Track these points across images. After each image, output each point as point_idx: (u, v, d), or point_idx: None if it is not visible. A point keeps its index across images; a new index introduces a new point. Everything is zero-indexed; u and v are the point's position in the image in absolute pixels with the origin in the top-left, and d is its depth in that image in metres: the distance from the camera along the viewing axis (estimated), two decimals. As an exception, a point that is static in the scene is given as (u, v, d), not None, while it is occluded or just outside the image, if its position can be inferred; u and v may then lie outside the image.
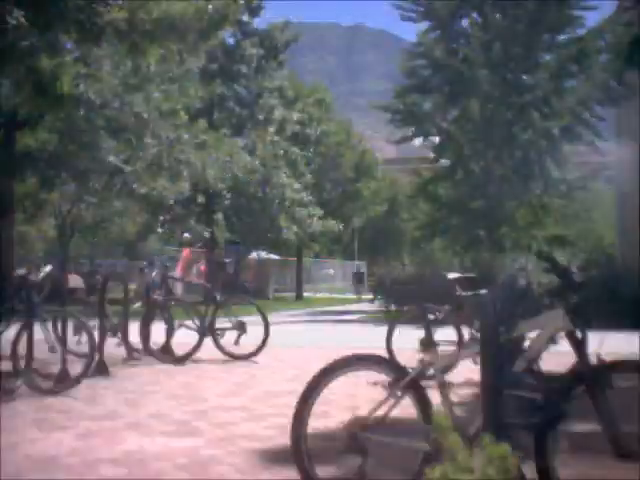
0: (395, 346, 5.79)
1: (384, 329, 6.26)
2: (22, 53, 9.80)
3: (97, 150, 15.82)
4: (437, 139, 18.04)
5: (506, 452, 2.52)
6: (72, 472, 3.13)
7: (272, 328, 7.47)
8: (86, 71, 13.22)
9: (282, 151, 24.68)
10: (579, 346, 2.70)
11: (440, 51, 16.02)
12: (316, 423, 3.04)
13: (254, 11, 23.64)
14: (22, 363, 5.14)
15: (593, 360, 2.65)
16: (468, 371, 3.83)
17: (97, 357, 6.03)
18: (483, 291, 5.11)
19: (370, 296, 21.86)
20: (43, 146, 15.82)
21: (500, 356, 2.80)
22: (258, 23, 24.79)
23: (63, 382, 5.23)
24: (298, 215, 25.55)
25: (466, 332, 5.55)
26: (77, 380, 5.16)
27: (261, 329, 7.22)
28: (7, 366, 5.20)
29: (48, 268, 5.70)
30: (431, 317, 4.92)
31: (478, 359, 2.94)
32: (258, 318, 7.38)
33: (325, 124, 30.94)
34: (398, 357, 4.80)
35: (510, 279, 4.08)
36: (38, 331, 5.23)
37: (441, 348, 4.28)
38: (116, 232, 34.68)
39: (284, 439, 3.71)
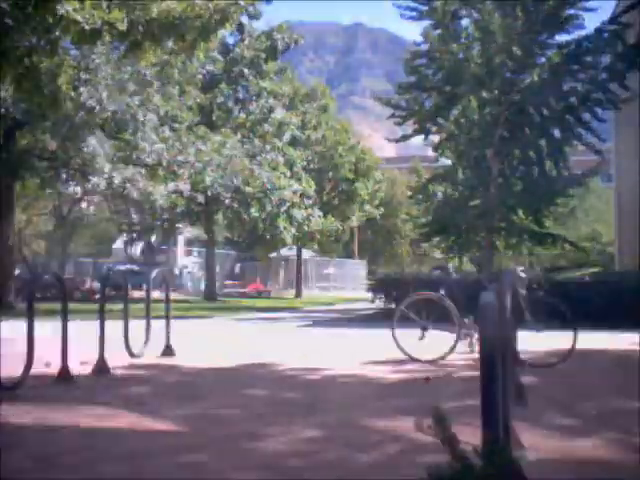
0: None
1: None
2: (21, 53, 9.82)
3: (96, 152, 15.87)
4: (437, 138, 18.02)
5: (506, 451, 2.54)
6: (72, 471, 3.14)
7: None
8: (85, 73, 13.27)
9: (281, 152, 24.70)
10: None
11: (442, 50, 16.01)
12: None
13: (253, 15, 23.61)
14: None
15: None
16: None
17: (98, 356, 6.07)
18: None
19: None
20: (43, 146, 15.88)
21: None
22: (258, 25, 24.77)
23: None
24: (297, 216, 25.60)
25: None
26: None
27: None
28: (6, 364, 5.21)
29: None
30: None
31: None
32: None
33: (325, 126, 30.97)
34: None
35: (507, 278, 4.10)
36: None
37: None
38: (115, 231, 34.74)
39: (285, 438, 3.74)
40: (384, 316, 14.03)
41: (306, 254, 35.37)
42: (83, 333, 6.66)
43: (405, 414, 4.23)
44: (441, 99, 16.88)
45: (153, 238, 30.45)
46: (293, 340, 9.73)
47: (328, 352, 8.06)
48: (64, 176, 17.48)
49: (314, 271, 38.57)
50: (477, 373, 2.64)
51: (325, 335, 10.60)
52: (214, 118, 24.27)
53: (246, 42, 24.56)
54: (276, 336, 10.49)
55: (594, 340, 7.94)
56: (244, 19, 22.98)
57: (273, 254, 34.70)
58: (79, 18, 9.29)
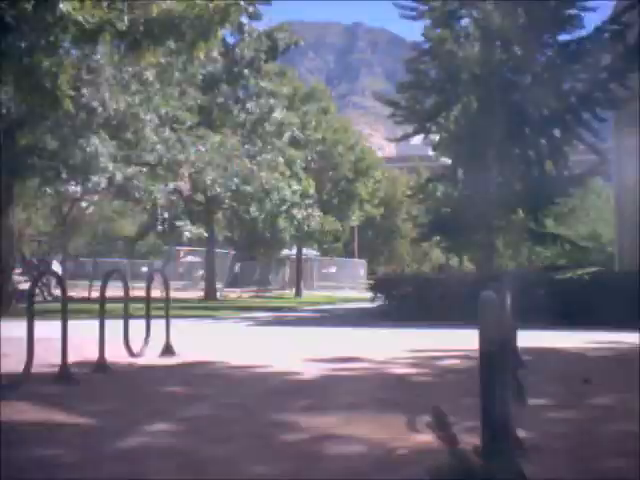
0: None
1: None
2: (21, 53, 9.83)
3: (97, 151, 15.88)
4: (437, 137, 18.01)
5: (506, 451, 2.54)
6: (73, 470, 3.14)
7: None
8: (85, 72, 13.28)
9: (281, 152, 24.69)
10: None
11: (442, 49, 16.00)
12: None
13: (253, 15, 23.58)
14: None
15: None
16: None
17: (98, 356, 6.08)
18: None
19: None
20: (43, 146, 15.89)
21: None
22: (258, 25, 24.71)
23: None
24: (297, 216, 25.62)
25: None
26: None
27: None
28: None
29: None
30: None
31: None
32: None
33: (325, 126, 30.97)
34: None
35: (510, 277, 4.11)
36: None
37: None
38: (116, 230, 34.80)
39: (284, 437, 3.74)
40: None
41: (306, 253, 35.38)
42: (82, 332, 6.67)
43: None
44: (441, 99, 16.88)
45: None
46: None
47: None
48: (64, 176, 17.48)
49: (315, 270, 38.57)
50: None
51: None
52: (214, 118, 24.26)
53: (246, 42, 24.55)
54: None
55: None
56: (244, 19, 22.98)
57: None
58: (79, 18, 9.30)
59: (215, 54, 21.13)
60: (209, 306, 19.86)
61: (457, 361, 6.65)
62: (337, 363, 6.58)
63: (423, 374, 6.07)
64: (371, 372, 6.02)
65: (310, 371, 6.03)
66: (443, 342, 8.46)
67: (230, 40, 24.47)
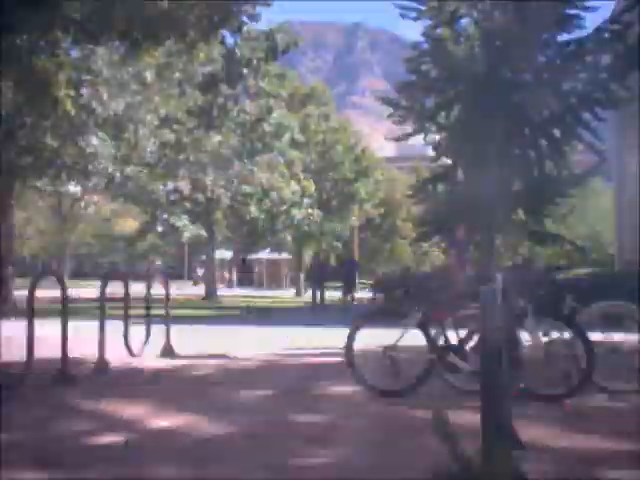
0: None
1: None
2: (21, 52, 9.83)
3: (97, 151, 15.89)
4: (437, 137, 18.01)
5: (507, 451, 2.55)
6: (74, 469, 3.14)
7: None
8: (85, 73, 13.28)
9: (280, 153, 24.71)
10: None
11: (442, 49, 16.01)
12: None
13: (252, 16, 23.55)
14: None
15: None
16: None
17: (97, 355, 6.09)
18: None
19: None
20: (43, 146, 15.90)
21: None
22: (258, 25, 24.68)
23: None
24: (297, 216, 25.65)
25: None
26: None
27: None
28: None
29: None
30: None
31: None
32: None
33: (324, 127, 30.98)
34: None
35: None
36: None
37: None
38: (116, 230, 34.82)
39: (281, 437, 3.75)
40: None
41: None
42: (83, 333, 6.66)
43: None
44: (441, 99, 16.89)
45: None
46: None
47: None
48: (64, 176, 17.51)
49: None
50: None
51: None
52: (213, 118, 24.26)
53: (245, 42, 24.53)
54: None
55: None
56: (244, 19, 22.96)
57: (275, 254, 34.66)
58: (79, 18, 9.29)
59: (215, 54, 21.19)
60: (206, 306, 19.92)
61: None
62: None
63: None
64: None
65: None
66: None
67: (230, 40, 24.47)
